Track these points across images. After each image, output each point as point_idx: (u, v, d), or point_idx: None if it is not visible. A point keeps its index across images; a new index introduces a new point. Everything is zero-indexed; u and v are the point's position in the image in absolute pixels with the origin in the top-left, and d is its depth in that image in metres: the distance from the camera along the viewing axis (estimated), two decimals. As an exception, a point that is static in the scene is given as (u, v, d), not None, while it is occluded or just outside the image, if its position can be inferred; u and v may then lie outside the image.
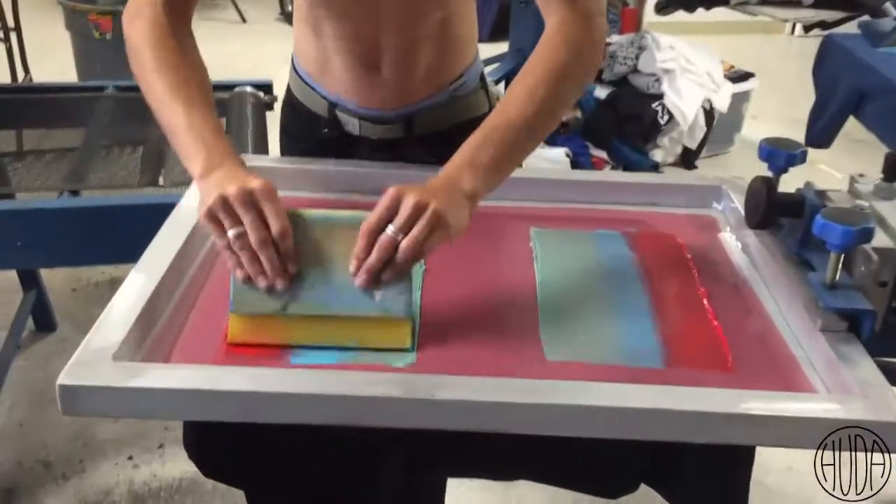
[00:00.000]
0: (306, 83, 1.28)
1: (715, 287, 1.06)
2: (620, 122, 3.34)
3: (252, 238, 0.89)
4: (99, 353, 0.84)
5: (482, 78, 1.32)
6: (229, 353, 0.91)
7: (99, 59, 3.18)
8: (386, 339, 0.92)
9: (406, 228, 0.89)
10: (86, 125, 2.05)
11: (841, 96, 2.11)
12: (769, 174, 1.06)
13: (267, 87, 2.27)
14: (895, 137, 1.96)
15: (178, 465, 2.05)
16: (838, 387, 0.87)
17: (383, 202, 0.90)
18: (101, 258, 1.93)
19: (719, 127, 3.64)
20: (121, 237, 1.67)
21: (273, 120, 1.59)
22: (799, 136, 4.04)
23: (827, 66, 2.25)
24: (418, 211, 0.89)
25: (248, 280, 0.91)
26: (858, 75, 2.08)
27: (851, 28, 2.57)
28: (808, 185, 1.06)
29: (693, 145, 3.56)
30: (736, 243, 1.16)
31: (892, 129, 1.96)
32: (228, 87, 2.27)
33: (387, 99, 1.23)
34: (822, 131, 2.16)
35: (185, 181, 1.81)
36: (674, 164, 3.62)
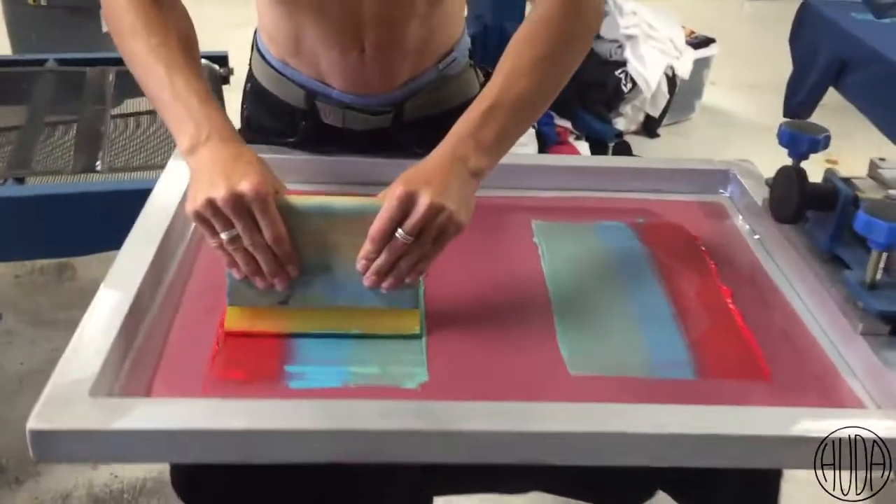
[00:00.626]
0: (277, 71, 1.14)
1: (736, 285, 0.99)
2: (583, 91, 3.25)
3: (246, 242, 0.83)
4: (72, 387, 0.73)
5: (470, 54, 1.21)
6: (218, 377, 0.81)
7: (34, 28, 2.97)
8: (393, 326, 0.88)
9: (417, 232, 0.83)
10: (27, 103, 1.90)
11: (821, 66, 2.05)
12: (789, 160, 0.99)
13: (222, 59, 2.13)
14: (877, 108, 1.91)
15: (141, 464, 1.93)
16: (887, 398, 0.80)
17: (393, 203, 0.82)
18: (47, 251, 1.80)
19: (680, 94, 3.58)
20: (70, 228, 1.55)
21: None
22: (757, 101, 4.03)
23: (805, 35, 2.19)
24: (431, 214, 0.83)
25: (246, 278, 0.85)
26: (839, 44, 2.02)
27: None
28: (830, 171, 0.99)
29: (656, 113, 3.50)
30: (751, 234, 1.09)
31: (874, 99, 1.91)
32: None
33: (372, 81, 1.11)
34: (801, 102, 2.10)
35: (125, 167, 1.68)
36: (636, 133, 3.56)
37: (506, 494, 1.13)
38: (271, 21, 1.12)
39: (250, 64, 1.20)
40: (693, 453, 0.74)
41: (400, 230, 0.82)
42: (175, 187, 1.02)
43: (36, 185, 1.56)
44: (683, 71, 3.50)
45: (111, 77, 2.00)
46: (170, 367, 0.82)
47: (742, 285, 0.99)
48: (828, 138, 1.00)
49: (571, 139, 3.16)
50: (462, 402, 0.75)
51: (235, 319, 0.87)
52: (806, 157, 1.00)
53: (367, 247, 0.84)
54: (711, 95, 3.92)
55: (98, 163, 1.65)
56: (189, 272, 0.96)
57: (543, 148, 2.95)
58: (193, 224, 0.98)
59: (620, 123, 3.44)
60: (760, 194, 1.11)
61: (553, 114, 3.07)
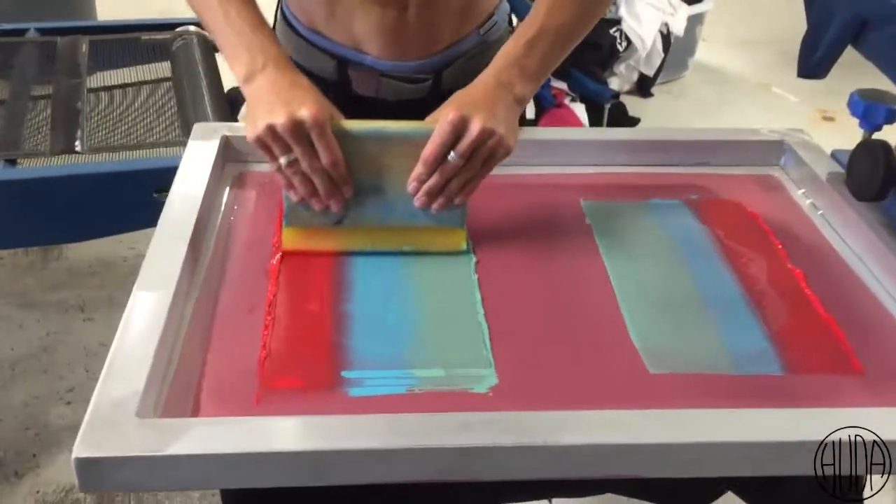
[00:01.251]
0: (307, 41, 1.07)
1: (807, 267, 0.93)
2: (578, 51, 3.16)
3: (304, 166, 0.86)
4: (117, 408, 0.66)
5: (510, 20, 1.14)
6: (271, 386, 0.74)
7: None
8: (442, 243, 0.92)
9: (469, 155, 0.86)
10: (9, 77, 1.78)
11: (838, 24, 1.97)
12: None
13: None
14: (900, 67, 1.85)
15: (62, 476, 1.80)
16: None
17: (446, 127, 0.85)
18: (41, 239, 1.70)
19: (673, 51, 3.50)
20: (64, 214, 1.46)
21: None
22: (750, 57, 3.97)
23: (821, -9, 2.11)
24: (483, 138, 0.86)
25: (302, 200, 0.88)
26: (859, 1, 1.94)
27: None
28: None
29: (650, 72, 3.42)
30: (814, 210, 1.03)
31: (896, 58, 1.85)
32: (168, 26, 2.00)
33: (410, 46, 1.04)
34: (818, 63, 2.02)
35: (107, 146, 1.56)
36: (629, 93, 3.49)
37: (578, 498, 1.08)
38: None
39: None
40: (796, 460, 0.68)
41: (452, 153, 0.85)
42: (195, 180, 0.94)
43: (29, 169, 1.45)
44: (678, 28, 3.41)
45: (84, 48, 1.87)
46: (216, 377, 0.75)
47: (813, 267, 0.93)
48: (905, 108, 0.93)
49: (567, 101, 3.07)
50: (547, 412, 0.69)
51: (292, 239, 0.90)
52: (880, 128, 0.94)
53: (419, 169, 0.87)
54: (704, 52, 3.84)
55: (77, 142, 1.53)
56: (222, 269, 0.87)
57: (540, 111, 2.87)
58: (221, 215, 0.94)
59: (614, 83, 3.36)
60: (822, 167, 1.04)
61: (549, 76, 2.99)
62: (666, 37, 3.39)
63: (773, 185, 1.09)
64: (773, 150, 1.12)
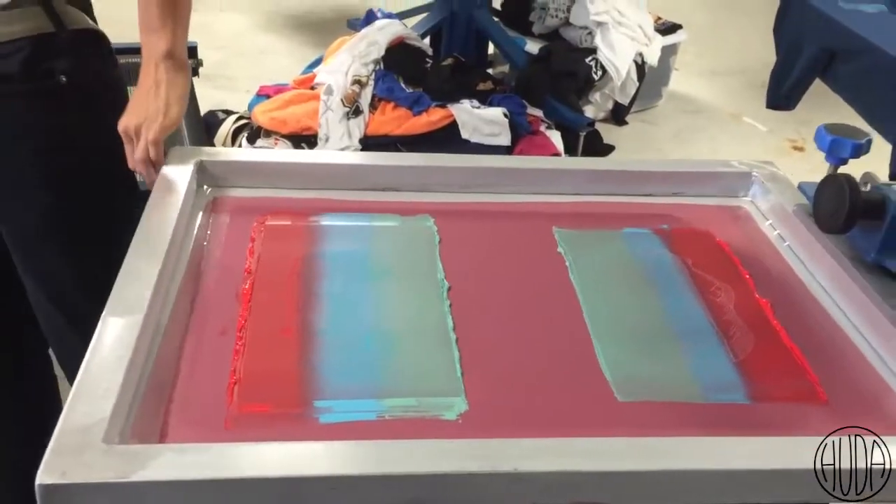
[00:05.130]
0: None
1: (773, 296, 0.94)
2: (554, 79, 3.20)
3: None
4: (84, 433, 0.65)
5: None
6: (240, 412, 0.74)
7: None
8: None
9: None
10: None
11: (807, 56, 2.01)
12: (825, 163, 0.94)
13: (190, 49, 2.01)
14: (867, 101, 1.88)
15: None
16: (955, 422, 0.77)
17: None
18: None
19: (647, 81, 3.55)
20: None
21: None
22: (721, 87, 4.03)
23: (790, 24, 2.13)
24: None
25: None
26: (826, 34, 1.98)
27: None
28: (868, 175, 0.95)
29: (625, 101, 3.46)
30: (780, 241, 1.05)
31: (864, 92, 1.88)
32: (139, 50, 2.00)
33: None
34: (786, 95, 2.06)
35: None
36: (604, 121, 3.52)
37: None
38: None
39: None
40: (765, 488, 0.69)
41: None
42: (169, 204, 0.94)
43: None
44: (652, 58, 3.46)
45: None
46: (186, 401, 0.74)
47: (780, 298, 0.94)
48: (869, 142, 0.95)
49: (543, 128, 3.10)
50: (516, 439, 0.69)
51: None
52: (845, 162, 0.96)
53: None
54: (677, 82, 3.90)
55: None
56: (194, 292, 0.87)
57: (516, 138, 2.89)
58: (194, 238, 0.95)
59: (589, 111, 3.39)
60: (789, 199, 1.06)
61: (525, 103, 3.01)
62: (640, 66, 3.43)
63: (741, 215, 1.11)
64: (742, 181, 1.14)
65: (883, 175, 0.93)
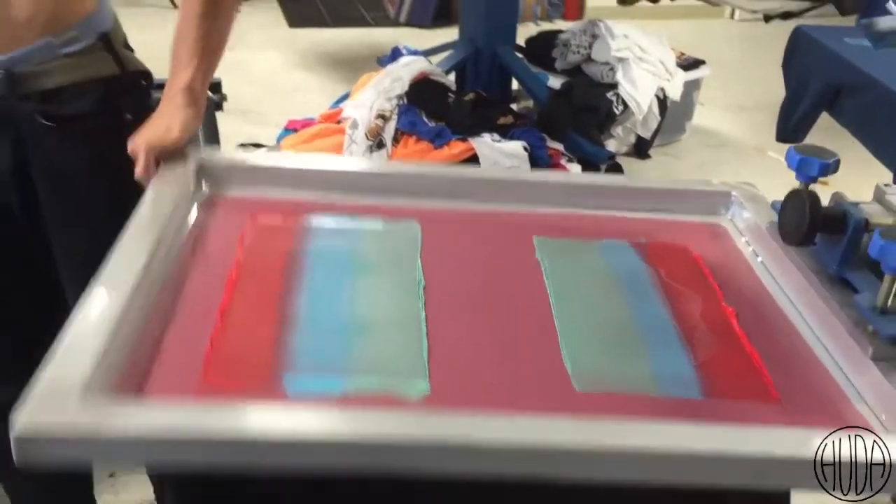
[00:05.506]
0: None
1: (740, 306, 0.98)
2: (576, 114, 3.26)
3: None
4: (63, 385, 0.70)
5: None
6: (212, 382, 0.79)
7: None
8: None
9: None
10: None
11: (814, 92, 2.06)
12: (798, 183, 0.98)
13: (215, 85, 2.08)
14: (872, 134, 1.92)
15: (134, 495, 1.81)
16: (897, 423, 0.79)
17: None
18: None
19: (670, 115, 3.59)
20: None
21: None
22: (746, 122, 4.05)
23: (798, 60, 2.19)
24: None
25: None
26: (832, 70, 2.02)
27: (819, 19, 2.53)
28: (837, 195, 0.99)
29: (647, 135, 3.51)
30: (754, 257, 1.08)
31: (868, 125, 1.92)
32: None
33: None
34: (795, 128, 2.10)
35: None
36: (627, 154, 3.57)
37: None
38: None
39: None
40: (701, 471, 0.73)
41: None
42: (165, 196, 1.01)
43: None
44: (674, 93, 3.51)
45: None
46: (163, 368, 0.80)
47: (746, 307, 0.98)
48: (837, 162, 0.99)
49: (564, 161, 3.15)
50: (468, 413, 0.74)
51: None
52: (815, 181, 0.99)
53: None
54: (701, 116, 3.93)
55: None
56: (184, 273, 0.93)
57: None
58: (188, 230, 1.00)
59: (612, 145, 3.45)
60: (764, 217, 1.10)
61: (545, 136, 3.07)
62: (662, 101, 3.48)
63: (719, 232, 1.15)
64: (722, 200, 1.18)
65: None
